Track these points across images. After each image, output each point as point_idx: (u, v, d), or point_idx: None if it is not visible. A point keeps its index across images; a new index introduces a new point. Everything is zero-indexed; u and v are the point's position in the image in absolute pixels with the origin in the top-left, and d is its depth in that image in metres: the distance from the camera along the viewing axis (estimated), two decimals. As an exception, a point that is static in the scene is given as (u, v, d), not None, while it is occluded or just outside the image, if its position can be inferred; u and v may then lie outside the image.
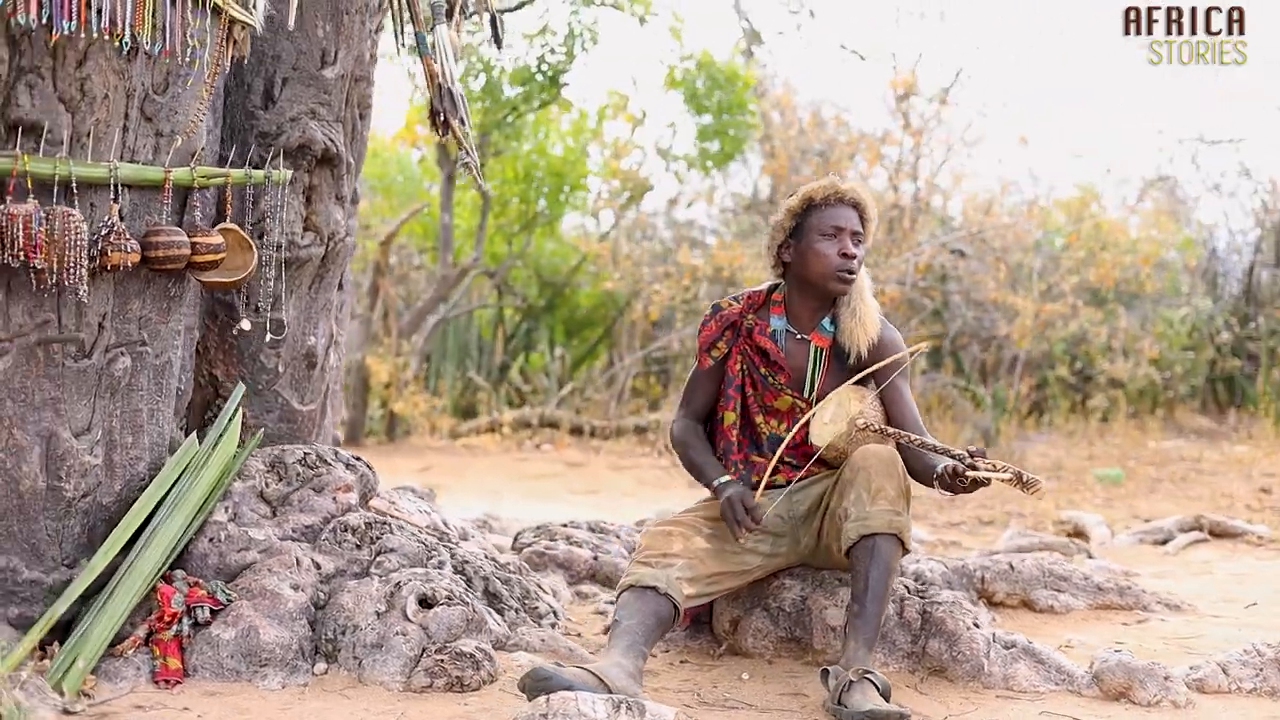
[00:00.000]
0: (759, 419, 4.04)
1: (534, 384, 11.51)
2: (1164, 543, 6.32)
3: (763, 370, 4.02)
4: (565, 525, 5.16)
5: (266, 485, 4.02)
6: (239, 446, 4.06)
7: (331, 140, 4.49)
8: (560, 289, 11.88)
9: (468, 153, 4.39)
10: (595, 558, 4.88)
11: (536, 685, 3.33)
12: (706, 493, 4.01)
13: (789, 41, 15.24)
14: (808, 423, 3.93)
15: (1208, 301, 14.39)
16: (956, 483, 3.54)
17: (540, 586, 4.41)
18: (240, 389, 4.18)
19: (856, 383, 3.95)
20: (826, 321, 4.02)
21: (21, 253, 3.43)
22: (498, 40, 4.66)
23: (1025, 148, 14.23)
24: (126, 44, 3.57)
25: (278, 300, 4.36)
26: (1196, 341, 13.96)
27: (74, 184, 3.54)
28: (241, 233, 3.99)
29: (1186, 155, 18.37)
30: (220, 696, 3.48)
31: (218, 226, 3.94)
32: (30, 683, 3.34)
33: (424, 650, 3.65)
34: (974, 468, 3.49)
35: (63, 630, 3.63)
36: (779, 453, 3.86)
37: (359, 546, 3.93)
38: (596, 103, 11.84)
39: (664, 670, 3.93)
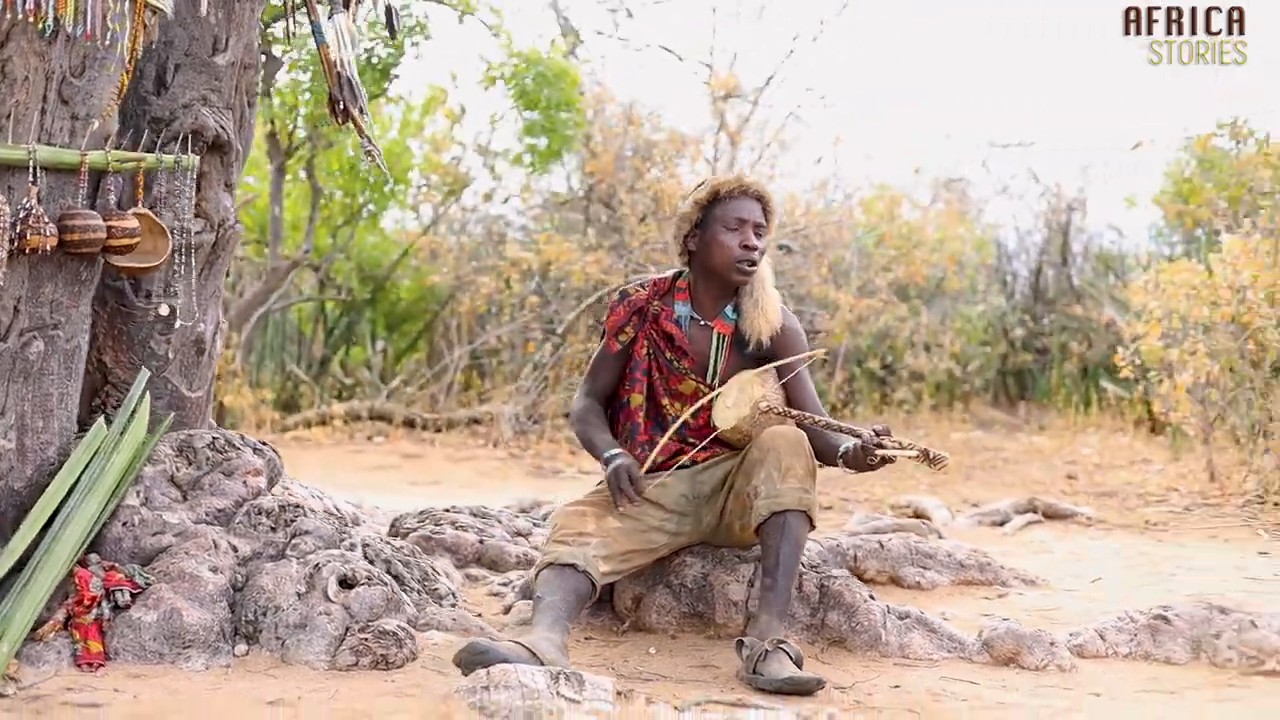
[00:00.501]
0: (664, 401, 4.18)
1: (356, 378, 11.47)
2: (1001, 524, 6.65)
3: (668, 355, 4.17)
4: (448, 510, 5.23)
5: (177, 470, 4.03)
6: (148, 432, 4.05)
7: (222, 127, 4.50)
8: (381, 283, 11.86)
9: (370, 141, 4.44)
10: (481, 541, 4.97)
11: (473, 659, 3.43)
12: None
13: (607, 41, 15.40)
14: (710, 404, 4.09)
15: (1001, 299, 15.00)
16: (865, 461, 3.73)
17: (435, 569, 4.48)
18: (145, 374, 4.18)
19: (759, 370, 4.12)
20: (729, 309, 4.18)
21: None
22: (392, 30, 4.71)
23: (840, 147, 14.59)
24: (49, 26, 3.56)
25: (169, 287, 4.36)
26: (991, 337, 14.53)
27: (-11, 166, 3.53)
28: (154, 218, 3.99)
29: (977, 158, 19.01)
30: (145, 679, 3.49)
31: (130, 211, 3.93)
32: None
33: (347, 630, 3.71)
34: (882, 446, 3.69)
35: (-25, 616, 3.60)
36: (670, 431, 4.03)
37: (274, 529, 3.97)
38: (424, 98, 11.83)
39: (572, 646, 4.03)
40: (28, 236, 3.58)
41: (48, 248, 3.63)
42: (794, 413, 3.98)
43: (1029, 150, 18.79)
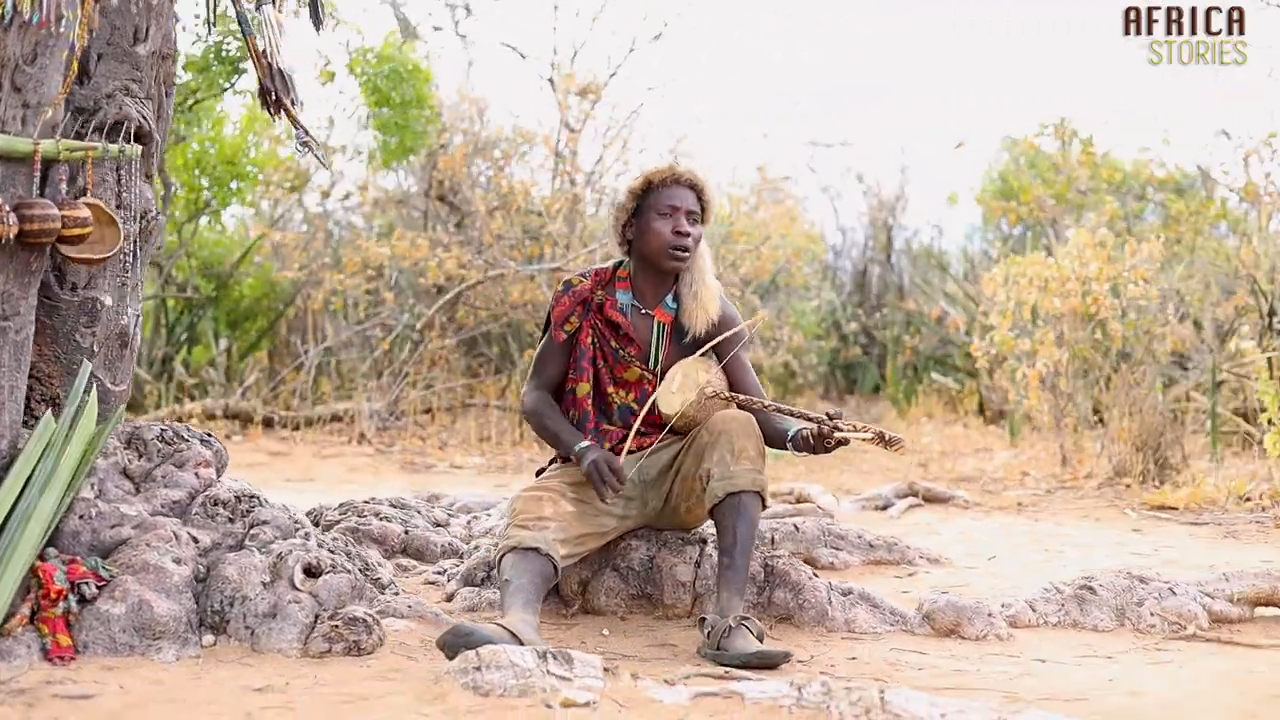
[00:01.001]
0: (610, 389, 4.27)
1: (200, 377, 11.30)
2: (884, 508, 6.87)
3: (613, 343, 4.26)
4: (368, 502, 5.25)
5: (129, 462, 4.00)
6: (98, 423, 4.01)
7: (144, 117, 4.46)
8: (224, 280, 11.70)
9: (305, 132, 4.44)
10: (406, 532, 5.01)
11: (457, 641, 3.49)
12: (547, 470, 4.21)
13: (446, 37, 15.38)
14: (653, 391, 4.20)
15: (834, 294, 15.38)
16: (821, 444, 3.87)
17: (374, 559, 4.51)
18: (87, 366, 4.13)
19: (700, 355, 4.23)
20: (669, 299, 4.29)
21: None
22: (317, 21, 4.72)
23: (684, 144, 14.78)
24: (7, 13, 3.52)
25: (92, 279, 4.31)
26: (824, 331, 14.90)
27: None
28: (104, 207, 3.95)
29: (802, 158, 19.38)
30: (120, 670, 3.47)
31: (81, 201, 3.89)
32: (-65, 663, 3.27)
33: (317, 617, 3.74)
34: (837, 429, 3.83)
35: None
36: (639, 420, 4.11)
37: (231, 520, 3.97)
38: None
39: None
40: (-13, 227, 3.53)
41: (10, 237, 3.58)
42: (741, 397, 4.11)
43: (850, 150, 19.29)
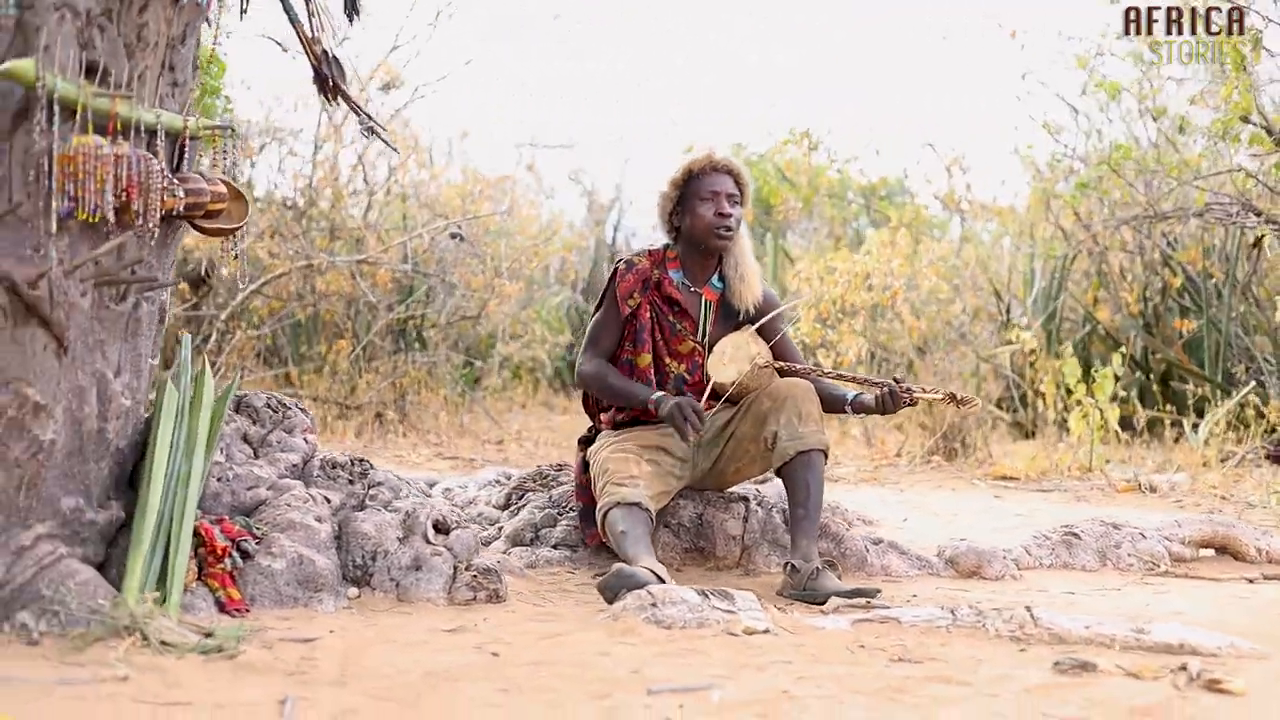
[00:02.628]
0: (666, 360, 4.67)
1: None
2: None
3: (671, 318, 4.66)
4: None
5: (247, 428, 4.18)
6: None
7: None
8: None
9: (368, 116, 4.66)
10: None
11: (620, 584, 3.86)
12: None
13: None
14: (704, 363, 4.62)
15: (569, 291, 15.88)
16: (891, 405, 4.38)
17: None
18: (188, 337, 4.27)
19: (745, 330, 4.67)
20: (715, 278, 4.72)
21: (123, 193, 3.49)
22: (352, 11, 4.92)
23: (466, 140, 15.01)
24: (178, -5, 3.70)
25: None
26: (563, 326, 15.40)
27: (142, 128, 3.63)
28: (232, 182, 4.11)
29: (525, 158, 19.76)
30: (295, 619, 3.69)
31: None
32: (153, 612, 3.42)
33: (456, 569, 4.02)
34: (910, 390, 4.35)
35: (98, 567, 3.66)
36: (709, 387, 4.52)
37: (351, 481, 4.19)
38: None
39: (594, 583, 4.47)
40: (165, 199, 3.69)
41: (180, 209, 3.74)
42: (797, 366, 4.57)
43: (571, 151, 19.81)
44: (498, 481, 5.68)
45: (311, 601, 3.82)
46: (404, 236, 10.28)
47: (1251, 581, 4.71)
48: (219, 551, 3.77)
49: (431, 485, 6.04)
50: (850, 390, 4.59)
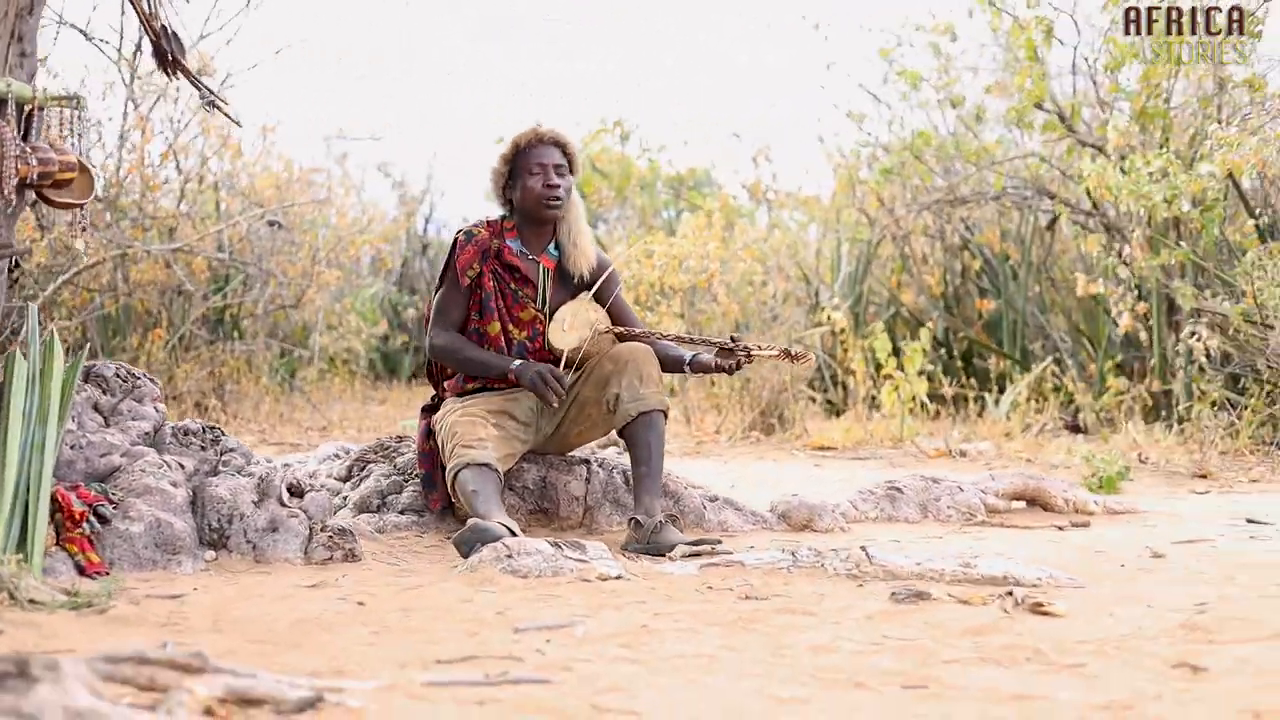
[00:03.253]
0: (510, 327, 4.80)
1: None
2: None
3: (513, 285, 4.80)
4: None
5: (98, 397, 4.21)
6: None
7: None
8: None
9: (210, 91, 4.71)
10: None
11: (475, 538, 4.00)
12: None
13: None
14: (544, 329, 4.77)
15: (382, 283, 15.89)
16: (729, 364, 4.57)
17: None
18: (33, 307, 4.29)
19: (583, 297, 4.83)
20: (551, 246, 4.86)
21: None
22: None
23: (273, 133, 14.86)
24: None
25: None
26: (378, 318, 15.40)
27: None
28: (78, 155, 4.14)
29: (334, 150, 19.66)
30: (155, 581, 3.75)
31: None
32: (19, 572, 3.47)
33: (311, 530, 4.12)
34: (746, 349, 4.55)
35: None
36: (564, 358, 4.67)
37: (204, 448, 4.25)
38: None
39: (450, 548, 4.60)
40: (19, 166, 3.72)
41: (34, 177, 3.78)
42: (636, 330, 4.75)
43: (380, 143, 19.76)
44: (337, 455, 5.76)
45: (170, 564, 3.88)
46: (220, 225, 10.20)
47: (1061, 529, 5.02)
48: (76, 516, 3.81)
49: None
50: (688, 351, 4.77)
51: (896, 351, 9.50)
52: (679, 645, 3.03)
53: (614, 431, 4.74)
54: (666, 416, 4.66)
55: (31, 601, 3.31)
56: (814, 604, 3.48)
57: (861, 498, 5.19)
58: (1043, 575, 3.74)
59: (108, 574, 3.76)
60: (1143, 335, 9.06)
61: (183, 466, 4.12)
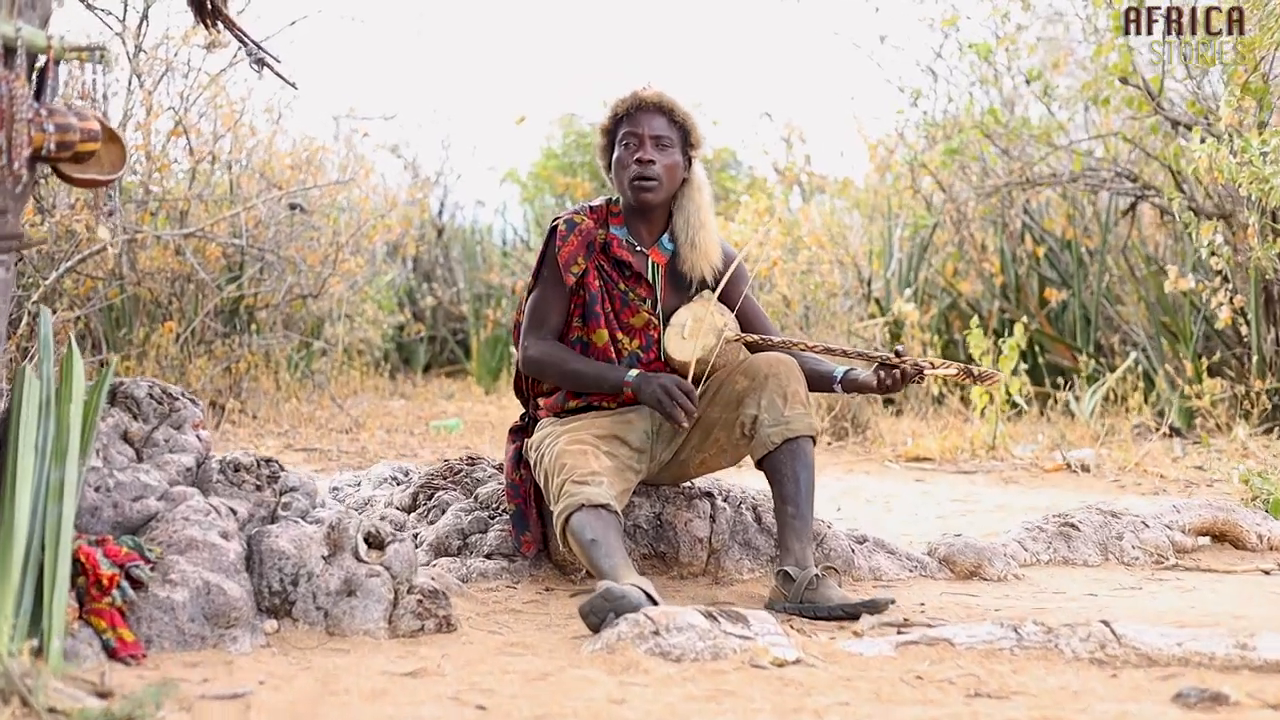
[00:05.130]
0: (619, 336, 3.97)
1: None
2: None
3: (622, 285, 3.97)
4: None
5: (129, 425, 3.38)
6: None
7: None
8: None
9: (257, 45, 3.86)
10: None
11: (608, 607, 3.19)
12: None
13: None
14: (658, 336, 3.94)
15: (397, 270, 15.02)
16: (893, 383, 3.74)
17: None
18: (47, 312, 3.44)
19: (705, 297, 4.01)
20: (665, 238, 4.03)
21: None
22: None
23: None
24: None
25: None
26: (395, 307, 14.54)
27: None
28: (106, 121, 3.29)
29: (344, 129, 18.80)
30: (205, 665, 2.93)
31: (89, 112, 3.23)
32: (34, 669, 2.64)
33: (396, 592, 3.28)
34: (918, 365, 3.71)
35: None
36: (692, 372, 3.83)
37: (259, 487, 3.41)
38: None
39: (554, 603, 3.78)
40: (32, 133, 2.88)
41: (52, 146, 2.94)
42: (773, 339, 3.92)
43: (392, 123, 18.86)
44: (395, 479, 4.93)
45: (223, 640, 3.06)
46: (235, 208, 9.33)
47: (1268, 573, 4.21)
48: (104, 582, 2.98)
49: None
50: (839, 365, 3.94)
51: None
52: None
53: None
54: (815, 442, 3.83)
55: (51, 711, 2.49)
56: (1073, 708, 2.65)
57: (1029, 535, 4.36)
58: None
59: (144, 656, 2.93)
60: (1240, 330, 8.27)
61: (234, 513, 3.29)
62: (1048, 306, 10.41)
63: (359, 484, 4.98)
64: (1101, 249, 10.04)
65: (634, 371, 3.80)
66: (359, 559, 3.29)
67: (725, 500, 4.11)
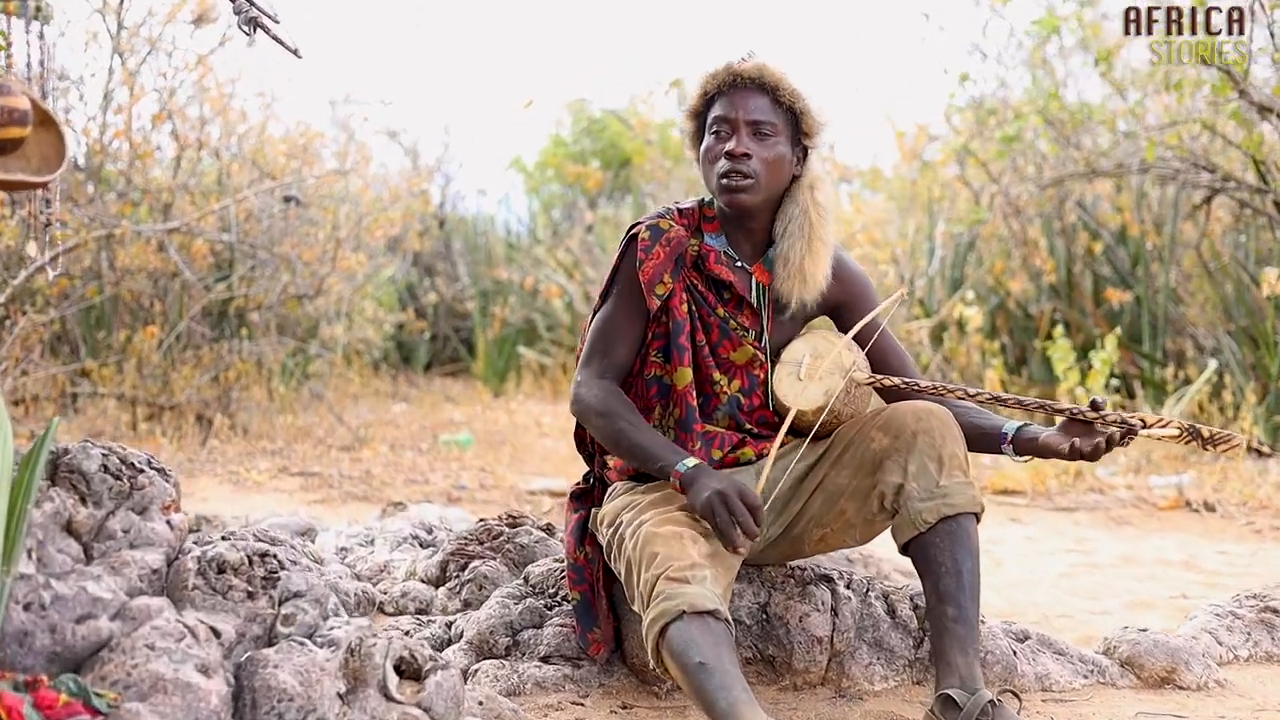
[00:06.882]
0: (715, 375, 3.07)
1: None
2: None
3: (721, 311, 3.07)
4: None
5: (74, 511, 2.48)
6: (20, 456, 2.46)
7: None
8: None
9: (250, 3, 2.96)
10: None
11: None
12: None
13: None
14: (766, 377, 3.06)
15: (398, 263, 14.13)
16: (1100, 443, 2.83)
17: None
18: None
19: (824, 328, 3.13)
20: (771, 252, 3.13)
21: None
22: None
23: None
24: None
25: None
26: (397, 304, 13.67)
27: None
28: (39, 101, 2.39)
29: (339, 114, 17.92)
30: None
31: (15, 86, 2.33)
32: None
33: (439, 743, 2.39)
34: (1126, 424, 2.80)
35: None
36: (785, 426, 2.92)
37: (251, 594, 2.52)
38: None
39: (635, 723, 2.90)
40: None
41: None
42: (918, 383, 3.02)
43: (391, 109, 17.97)
44: (415, 538, 4.03)
45: (201, 827, 2.16)
46: (224, 200, 8.41)
47: None
48: (31, 750, 2.09)
49: (305, 533, 4.37)
50: (1009, 422, 3.03)
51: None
52: None
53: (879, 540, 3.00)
54: (979, 519, 2.93)
55: None
56: None
57: (1222, 625, 3.47)
58: None
59: None
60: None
61: (217, 634, 2.39)
62: (1103, 306, 9.54)
63: (371, 541, 4.09)
64: (1170, 245, 9.16)
65: (691, 461, 2.87)
66: (388, 697, 2.39)
67: (849, 587, 3.21)
